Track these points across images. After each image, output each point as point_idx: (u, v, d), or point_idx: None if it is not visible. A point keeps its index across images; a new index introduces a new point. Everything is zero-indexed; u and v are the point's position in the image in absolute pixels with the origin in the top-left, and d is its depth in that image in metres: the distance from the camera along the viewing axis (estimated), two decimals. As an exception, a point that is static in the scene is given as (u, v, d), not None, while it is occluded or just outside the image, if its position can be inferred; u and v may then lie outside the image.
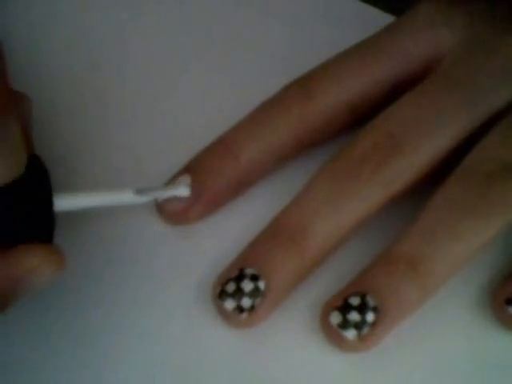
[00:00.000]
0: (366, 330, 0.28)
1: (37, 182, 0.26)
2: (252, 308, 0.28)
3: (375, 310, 0.28)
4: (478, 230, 0.28)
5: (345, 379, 0.29)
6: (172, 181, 0.31)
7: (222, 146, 0.31)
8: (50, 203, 0.26)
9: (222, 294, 0.29)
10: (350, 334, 0.28)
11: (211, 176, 0.30)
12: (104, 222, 0.31)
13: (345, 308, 0.28)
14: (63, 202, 0.27)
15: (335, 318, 0.28)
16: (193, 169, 0.31)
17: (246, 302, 0.28)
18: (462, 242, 0.28)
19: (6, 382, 0.28)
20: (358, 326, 0.28)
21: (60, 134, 0.33)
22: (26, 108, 0.29)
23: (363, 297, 0.28)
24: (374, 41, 0.32)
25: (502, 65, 0.31)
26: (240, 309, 0.28)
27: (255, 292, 0.28)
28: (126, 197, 0.29)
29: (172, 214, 0.31)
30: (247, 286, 0.28)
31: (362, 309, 0.28)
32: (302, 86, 0.31)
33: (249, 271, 0.29)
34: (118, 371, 0.29)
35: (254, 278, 0.28)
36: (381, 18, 0.35)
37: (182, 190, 0.30)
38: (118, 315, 0.29)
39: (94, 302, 0.30)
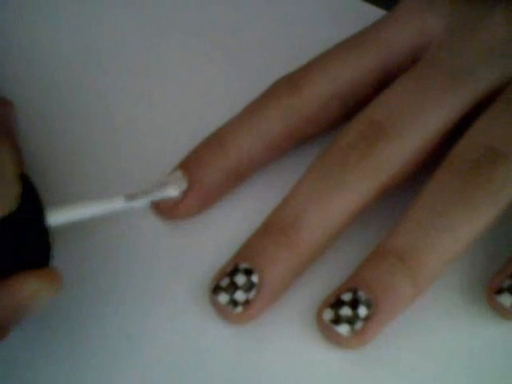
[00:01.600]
0: (359, 324, 0.28)
1: (29, 209, 0.26)
2: (246, 302, 0.28)
3: (368, 304, 0.28)
4: (468, 219, 0.28)
5: (343, 376, 0.29)
6: (166, 177, 0.31)
7: (213, 140, 0.31)
8: (43, 227, 0.26)
9: (216, 289, 0.29)
10: (343, 329, 0.28)
11: (201, 168, 0.31)
12: (103, 221, 0.31)
13: (337, 304, 0.28)
14: (56, 217, 0.27)
15: (327, 315, 0.28)
16: (184, 163, 0.31)
17: (240, 296, 0.28)
18: (452, 233, 0.28)
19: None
20: (351, 320, 0.28)
21: (47, 138, 0.33)
22: (11, 114, 0.29)
23: (355, 292, 0.28)
24: (361, 33, 0.32)
25: (487, 46, 0.31)
26: (234, 302, 0.29)
27: (249, 286, 0.28)
28: (118, 204, 0.28)
29: (164, 208, 0.31)
30: (240, 279, 0.29)
31: (353, 304, 0.28)
32: (291, 78, 0.32)
33: (242, 266, 0.29)
34: (116, 370, 0.29)
35: (248, 272, 0.29)
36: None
37: (172, 191, 0.30)
38: (117, 314, 0.30)
39: (92, 301, 0.30)
